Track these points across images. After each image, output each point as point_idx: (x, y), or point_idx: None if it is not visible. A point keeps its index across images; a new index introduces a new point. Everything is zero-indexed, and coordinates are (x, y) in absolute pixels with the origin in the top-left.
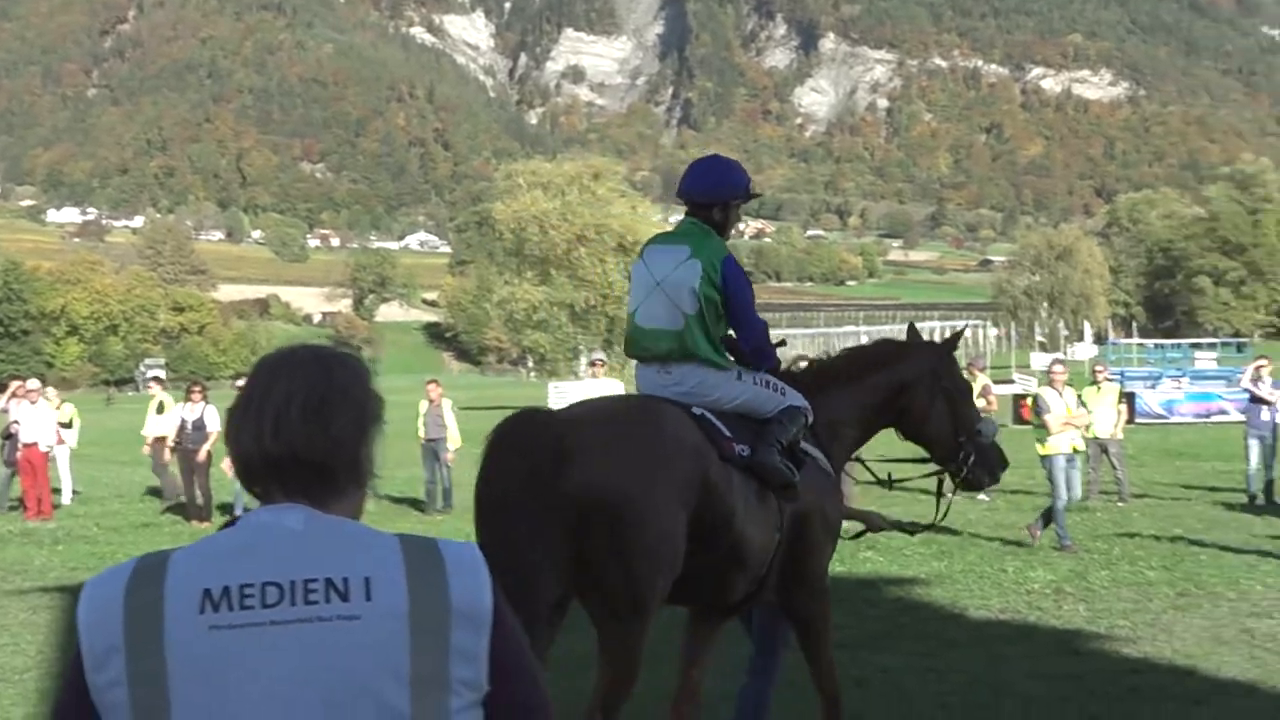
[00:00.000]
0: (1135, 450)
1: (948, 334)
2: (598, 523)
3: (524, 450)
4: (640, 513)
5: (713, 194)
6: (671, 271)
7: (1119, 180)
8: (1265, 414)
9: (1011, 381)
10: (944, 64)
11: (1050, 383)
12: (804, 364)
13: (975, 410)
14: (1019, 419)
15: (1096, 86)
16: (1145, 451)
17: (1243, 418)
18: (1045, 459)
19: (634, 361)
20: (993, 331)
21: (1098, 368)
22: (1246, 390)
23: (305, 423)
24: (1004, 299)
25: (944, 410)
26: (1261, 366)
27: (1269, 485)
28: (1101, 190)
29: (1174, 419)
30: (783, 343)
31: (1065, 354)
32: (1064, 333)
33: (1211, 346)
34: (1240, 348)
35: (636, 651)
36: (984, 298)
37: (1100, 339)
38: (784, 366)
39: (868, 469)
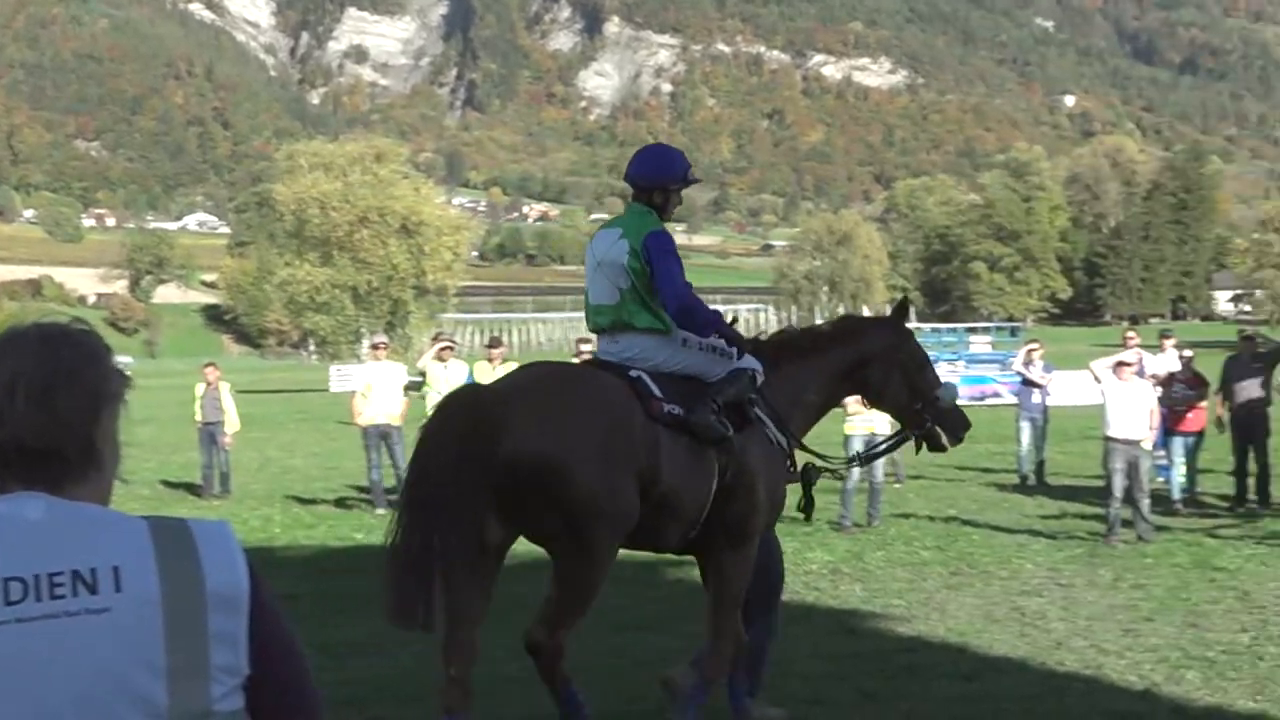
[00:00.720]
0: None
1: (733, 317)
2: (530, 483)
3: (462, 420)
4: (566, 470)
5: (652, 179)
6: (607, 251)
7: (898, 167)
8: (1036, 396)
9: None
10: (727, 49)
11: None
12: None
13: (933, 376)
14: None
15: (876, 74)
16: None
17: (1015, 400)
18: (846, 439)
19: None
20: (774, 316)
21: None
22: (1019, 373)
23: (30, 408)
24: (785, 283)
25: (900, 380)
26: (1033, 350)
27: (1039, 466)
28: (880, 177)
29: None
30: (735, 319)
31: None
32: None
33: (986, 331)
34: (1014, 332)
35: (587, 587)
36: (765, 282)
37: None
38: (753, 337)
39: (824, 460)
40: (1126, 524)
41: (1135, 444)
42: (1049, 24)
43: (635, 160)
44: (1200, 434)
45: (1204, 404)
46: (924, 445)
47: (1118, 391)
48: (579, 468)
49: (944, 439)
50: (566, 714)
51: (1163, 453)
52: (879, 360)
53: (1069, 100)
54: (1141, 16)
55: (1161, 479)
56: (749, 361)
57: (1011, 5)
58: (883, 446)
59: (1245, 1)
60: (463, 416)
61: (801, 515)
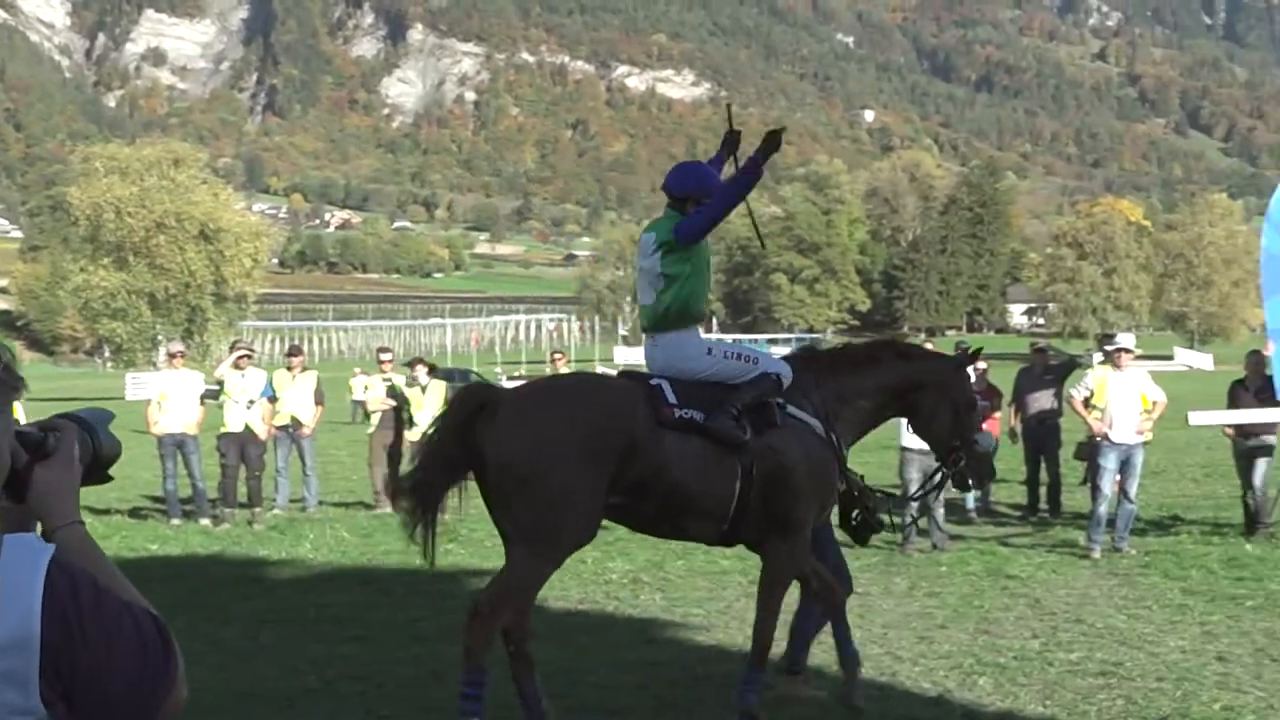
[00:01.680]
0: None
1: (536, 326)
2: (507, 479)
3: (462, 416)
4: (540, 472)
5: (688, 191)
6: (645, 258)
7: None
8: None
9: None
10: (531, 59)
11: None
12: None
13: (976, 423)
14: None
15: (680, 86)
16: None
17: None
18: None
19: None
20: (577, 325)
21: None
22: None
23: None
24: (588, 293)
25: (948, 417)
26: None
27: None
28: None
29: None
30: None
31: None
32: None
33: (787, 342)
34: (814, 343)
35: (537, 576)
36: (569, 292)
37: None
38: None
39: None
40: (922, 533)
41: (929, 453)
42: (849, 40)
43: (673, 174)
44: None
45: (998, 415)
46: (954, 483)
47: None
48: (548, 470)
49: (970, 480)
50: (470, 683)
51: None
52: (934, 389)
53: (868, 115)
54: (940, 34)
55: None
56: (773, 365)
57: (813, 21)
58: (930, 485)
59: (1039, 22)
60: (466, 417)
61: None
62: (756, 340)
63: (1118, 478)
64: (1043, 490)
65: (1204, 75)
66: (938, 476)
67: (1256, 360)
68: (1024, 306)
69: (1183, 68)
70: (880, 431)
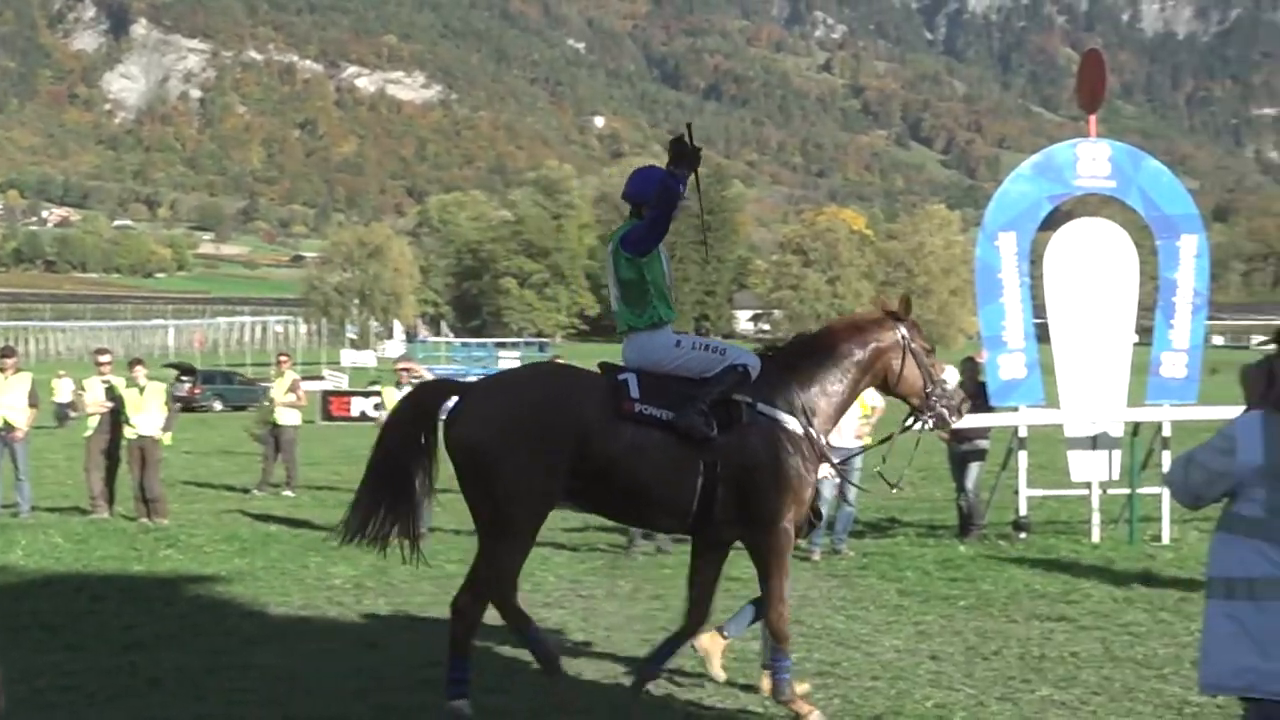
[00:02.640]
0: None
1: (262, 329)
2: (467, 465)
3: (421, 407)
4: (495, 458)
5: (643, 197)
6: (608, 264)
7: (430, 181)
8: None
9: (322, 378)
10: (259, 57)
11: (398, 383)
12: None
13: (935, 362)
14: (327, 415)
15: (410, 88)
16: None
17: None
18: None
19: None
20: (303, 328)
21: (399, 366)
22: None
23: None
24: (315, 295)
25: (912, 369)
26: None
27: None
28: (413, 190)
29: None
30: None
31: (376, 352)
32: (375, 330)
33: (515, 346)
34: (542, 347)
35: (507, 561)
36: (296, 293)
37: (410, 337)
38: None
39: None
40: (647, 536)
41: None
42: (580, 46)
43: (630, 180)
44: None
45: None
46: (934, 426)
47: None
48: (501, 454)
49: (950, 417)
50: (453, 681)
51: None
52: (895, 349)
53: (599, 121)
54: (669, 43)
55: None
56: (741, 357)
57: (544, 26)
58: (899, 432)
59: (767, 33)
60: (425, 405)
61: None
62: (485, 344)
63: (837, 481)
64: None
65: (925, 89)
66: (914, 423)
67: (970, 367)
68: (750, 313)
69: (904, 81)
70: None
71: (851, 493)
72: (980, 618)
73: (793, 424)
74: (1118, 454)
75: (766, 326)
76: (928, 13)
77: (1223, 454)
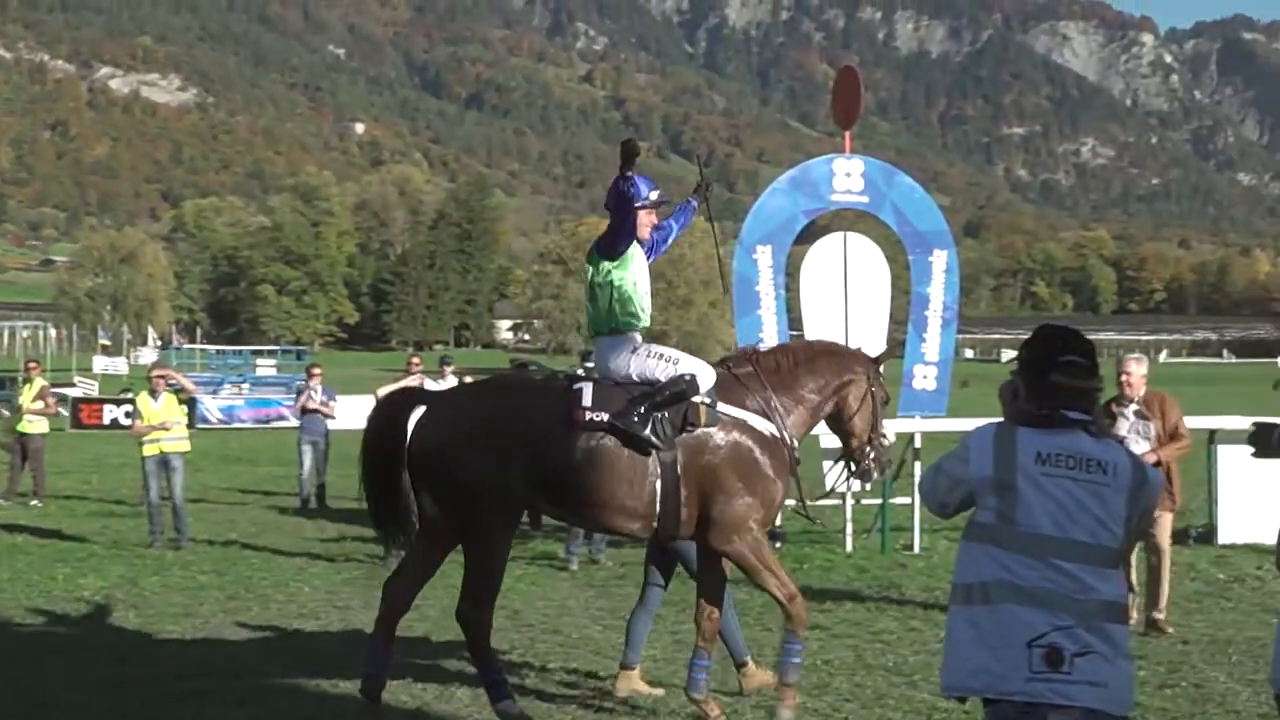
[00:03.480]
0: (195, 456)
1: (10, 334)
2: (428, 467)
3: (389, 417)
4: (453, 459)
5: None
6: (585, 271)
7: (185, 185)
8: (320, 420)
9: (73, 385)
10: (8, 55)
11: (152, 391)
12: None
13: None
14: (78, 423)
15: (165, 90)
16: (205, 457)
17: (298, 423)
18: (143, 460)
19: None
20: (53, 333)
21: (154, 373)
22: (301, 406)
23: None
24: (66, 300)
25: (869, 409)
26: (314, 376)
27: (320, 489)
28: (168, 194)
29: (235, 424)
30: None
31: (129, 359)
32: (127, 337)
33: (272, 354)
34: (299, 355)
35: (488, 563)
36: (45, 298)
37: (165, 344)
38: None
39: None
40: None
41: None
42: (340, 51)
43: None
44: None
45: None
46: (856, 474)
47: None
48: (460, 457)
49: (874, 472)
50: (490, 684)
51: None
52: (859, 384)
53: (359, 128)
54: (431, 50)
55: None
56: (692, 365)
57: (304, 31)
58: (840, 479)
59: (529, 43)
60: (394, 412)
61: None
62: (241, 351)
63: None
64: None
65: (685, 102)
66: (845, 467)
67: None
68: (510, 322)
69: (665, 94)
70: None
71: None
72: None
73: (761, 424)
74: None
75: (527, 336)
76: (688, 26)
77: (962, 462)
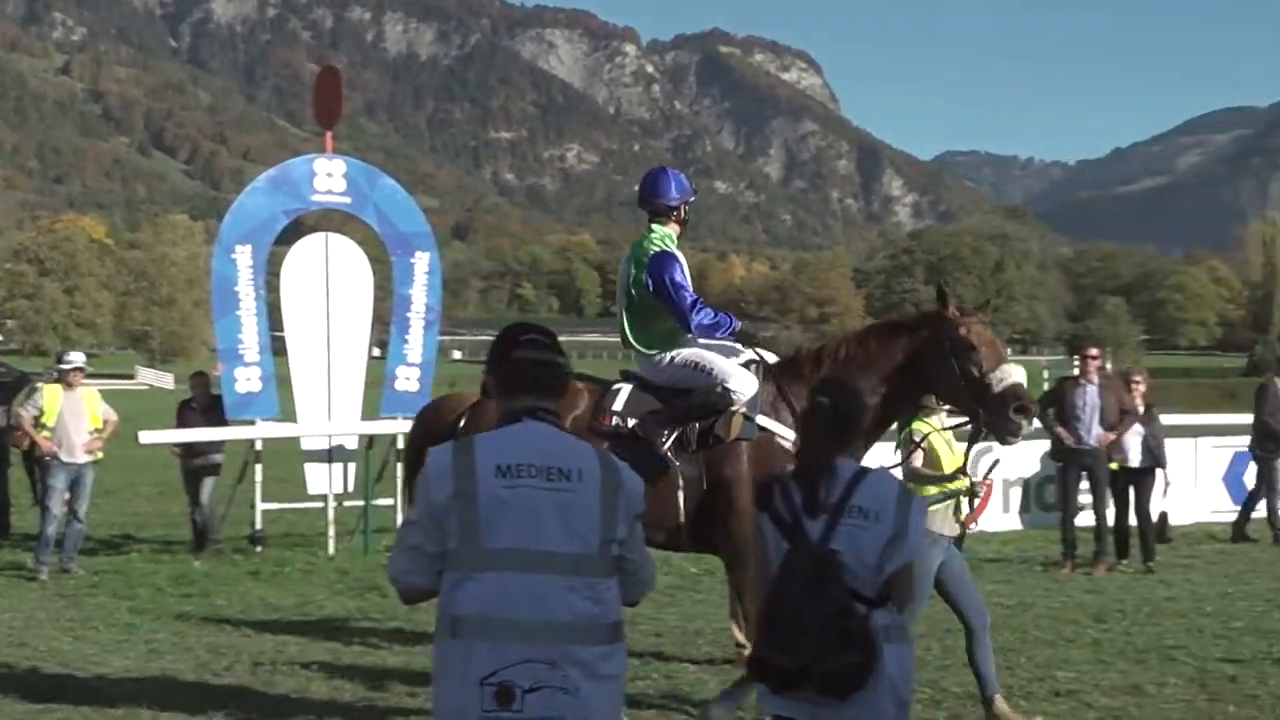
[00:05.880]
0: None
1: None
2: None
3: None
4: None
5: (660, 198)
6: (619, 277)
7: None
8: None
9: None
10: None
11: None
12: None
13: (984, 358)
14: None
15: None
16: None
17: None
18: None
19: None
20: None
21: None
22: None
23: None
24: None
25: (951, 368)
26: None
27: None
28: None
29: None
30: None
31: None
32: None
33: None
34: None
35: None
36: None
37: None
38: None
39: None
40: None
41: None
42: None
43: (645, 184)
44: None
45: None
46: (999, 438)
47: None
48: None
49: (1006, 422)
50: None
51: None
52: (925, 351)
53: None
54: None
55: None
56: (727, 376)
57: None
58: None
59: (2, 32)
60: (443, 418)
61: None
62: None
63: (67, 497)
64: None
65: (169, 97)
66: (975, 437)
67: (202, 380)
68: None
69: (147, 88)
70: None
71: (82, 508)
72: (214, 633)
73: (793, 440)
74: (353, 467)
75: (0, 337)
76: (171, 20)
77: (424, 491)
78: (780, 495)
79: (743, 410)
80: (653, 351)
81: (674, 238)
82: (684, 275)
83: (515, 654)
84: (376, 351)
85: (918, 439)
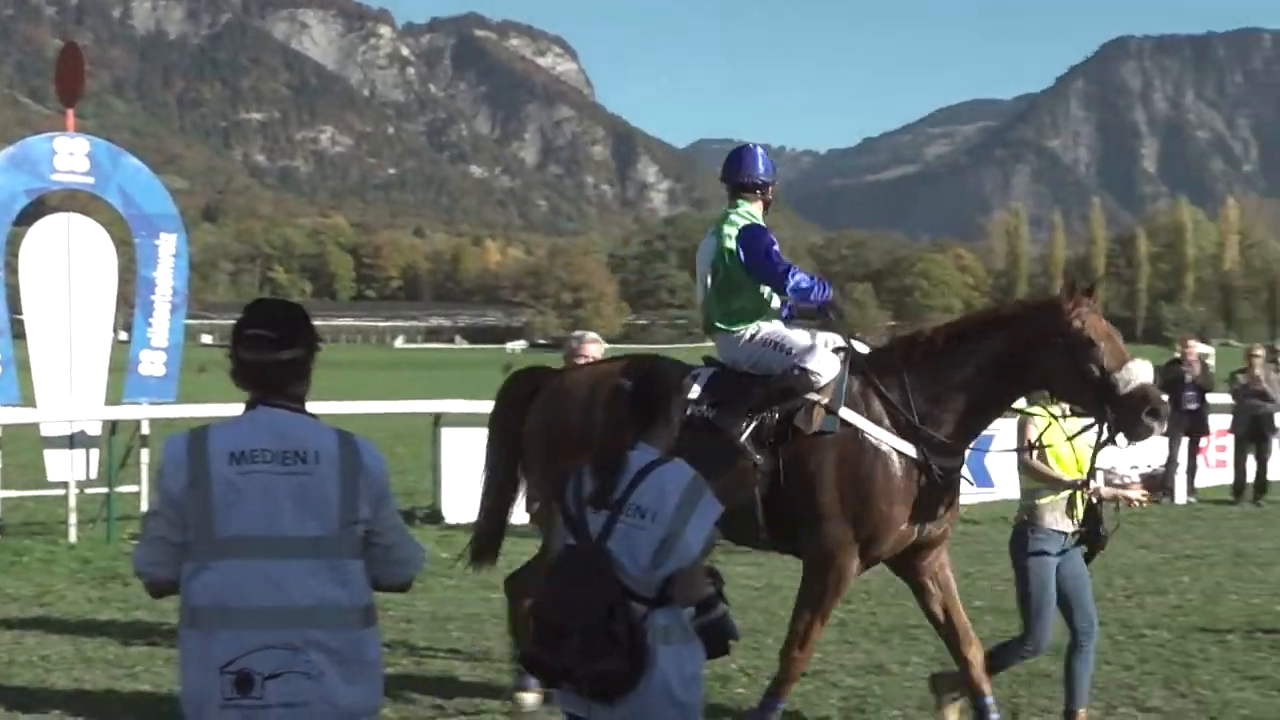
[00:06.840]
0: None
1: None
2: (528, 448)
3: (513, 394)
4: (547, 444)
5: (747, 175)
6: (701, 254)
7: None
8: None
9: None
10: None
11: None
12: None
13: (1106, 354)
14: None
15: None
16: None
17: None
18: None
19: None
20: None
21: None
22: None
23: None
24: None
25: (1066, 364)
26: None
27: None
28: None
29: None
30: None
31: None
32: None
33: None
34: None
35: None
36: None
37: None
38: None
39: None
40: None
41: None
42: None
43: (731, 161)
44: None
45: None
46: (1129, 436)
47: None
48: (533, 447)
49: (1136, 426)
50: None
51: None
52: (1035, 345)
53: None
54: None
55: None
56: (808, 359)
57: None
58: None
59: None
60: (521, 393)
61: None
62: None
63: None
64: None
65: None
66: (1103, 440)
67: None
68: None
69: None
70: None
71: None
72: None
73: (884, 438)
74: (95, 453)
75: None
76: None
77: (162, 482)
78: (572, 487)
79: (825, 401)
80: (735, 328)
81: (759, 215)
82: (777, 246)
83: (255, 640)
84: (123, 336)
85: (1031, 432)
